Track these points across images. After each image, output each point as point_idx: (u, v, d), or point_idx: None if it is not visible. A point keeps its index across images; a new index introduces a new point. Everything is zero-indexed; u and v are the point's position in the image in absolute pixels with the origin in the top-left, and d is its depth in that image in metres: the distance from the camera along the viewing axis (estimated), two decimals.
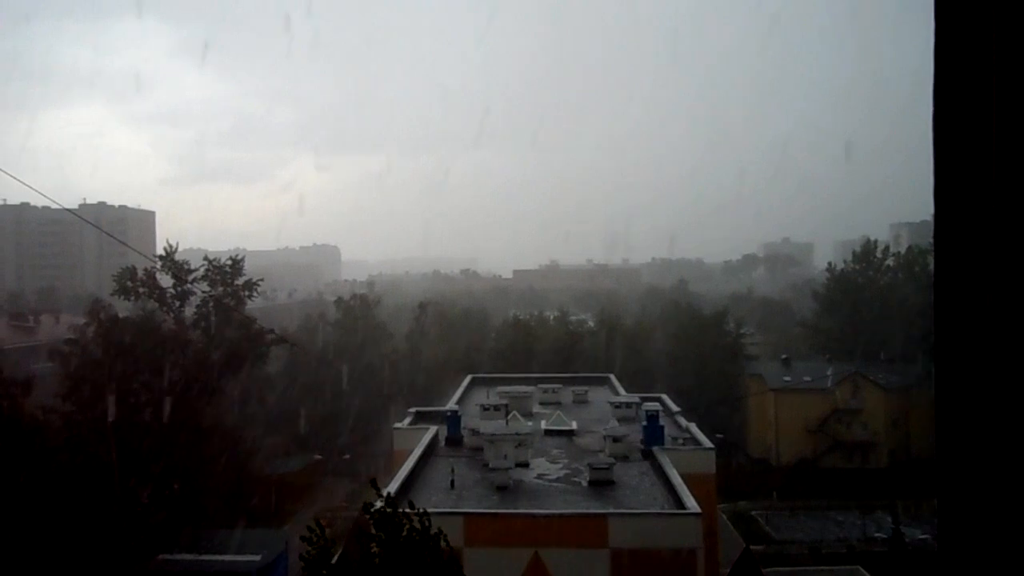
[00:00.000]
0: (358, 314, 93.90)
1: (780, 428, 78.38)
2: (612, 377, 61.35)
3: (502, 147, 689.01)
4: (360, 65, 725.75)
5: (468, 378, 60.53)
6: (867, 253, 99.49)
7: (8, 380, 40.35)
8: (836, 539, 58.55)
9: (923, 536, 55.74)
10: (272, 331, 62.94)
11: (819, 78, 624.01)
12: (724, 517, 56.48)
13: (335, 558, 17.56)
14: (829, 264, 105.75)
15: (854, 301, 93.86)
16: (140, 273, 62.83)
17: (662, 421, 40.21)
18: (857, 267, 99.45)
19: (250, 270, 67.47)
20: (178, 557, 37.77)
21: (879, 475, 68.79)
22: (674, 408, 48.68)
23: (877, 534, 57.63)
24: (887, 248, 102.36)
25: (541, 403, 51.53)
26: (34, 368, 54.04)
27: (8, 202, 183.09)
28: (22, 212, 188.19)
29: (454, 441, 40.76)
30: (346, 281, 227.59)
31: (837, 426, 77.76)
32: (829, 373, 77.42)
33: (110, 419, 44.95)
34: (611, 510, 29.30)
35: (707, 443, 40.68)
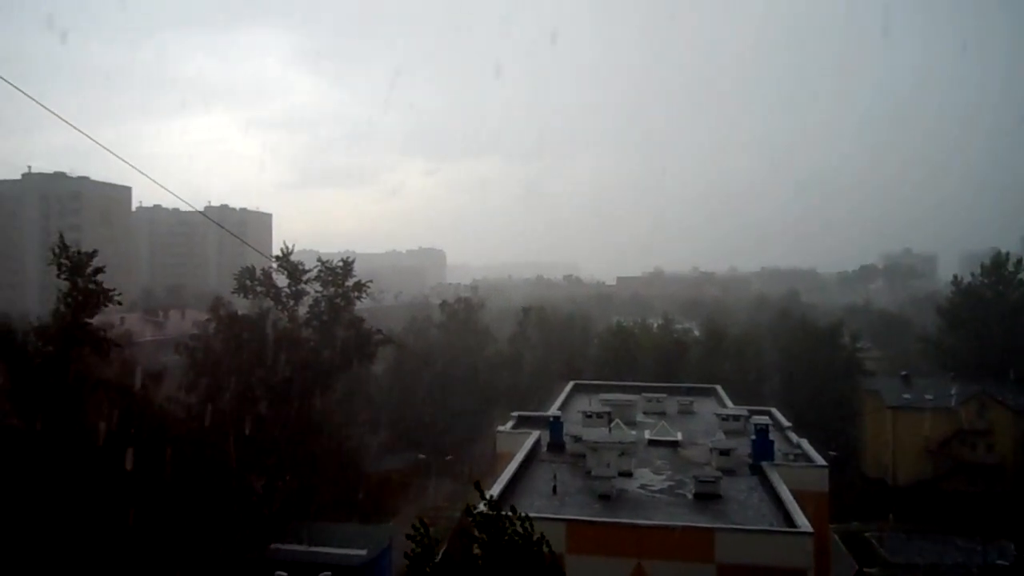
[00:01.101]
0: (462, 317, 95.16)
1: (898, 447, 74.41)
2: (719, 388, 59.85)
3: (607, 153, 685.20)
4: (467, 73, 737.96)
5: (570, 384, 60.32)
6: (997, 266, 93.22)
7: (142, 371, 42.94)
8: (954, 564, 55.44)
9: None
10: (380, 331, 64.37)
11: (951, 85, 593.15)
12: (836, 537, 54.22)
13: (438, 557, 17.75)
14: (955, 277, 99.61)
15: (982, 317, 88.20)
16: (258, 273, 65.58)
17: (772, 435, 38.99)
18: (986, 281, 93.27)
19: (359, 272, 69.27)
20: (289, 547, 39.17)
21: (1004, 500, 64.46)
22: (784, 423, 46.99)
23: (999, 561, 54.28)
24: (1019, 261, 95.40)
25: (645, 412, 50.86)
26: (164, 361, 57.35)
27: (144, 204, 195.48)
28: (155, 214, 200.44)
29: (556, 447, 40.69)
30: (451, 284, 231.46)
31: (960, 448, 73.24)
32: (953, 392, 73.17)
33: (228, 412, 47.24)
34: (718, 524, 28.54)
35: (819, 460, 39.05)
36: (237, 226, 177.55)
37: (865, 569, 55.09)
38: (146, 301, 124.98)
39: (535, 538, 16.52)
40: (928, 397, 74.28)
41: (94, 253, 39.01)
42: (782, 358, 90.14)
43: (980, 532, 57.69)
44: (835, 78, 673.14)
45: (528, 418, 48.96)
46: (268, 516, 43.48)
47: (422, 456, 71.98)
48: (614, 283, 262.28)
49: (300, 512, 46.15)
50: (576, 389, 59.12)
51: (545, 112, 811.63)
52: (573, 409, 50.41)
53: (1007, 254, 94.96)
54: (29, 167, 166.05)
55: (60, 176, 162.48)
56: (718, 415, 47.88)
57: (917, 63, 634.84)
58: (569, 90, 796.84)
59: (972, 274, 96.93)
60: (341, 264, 67.11)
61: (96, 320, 38.38)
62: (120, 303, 41.77)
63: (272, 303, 64.24)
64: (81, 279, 37.72)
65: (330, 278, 65.91)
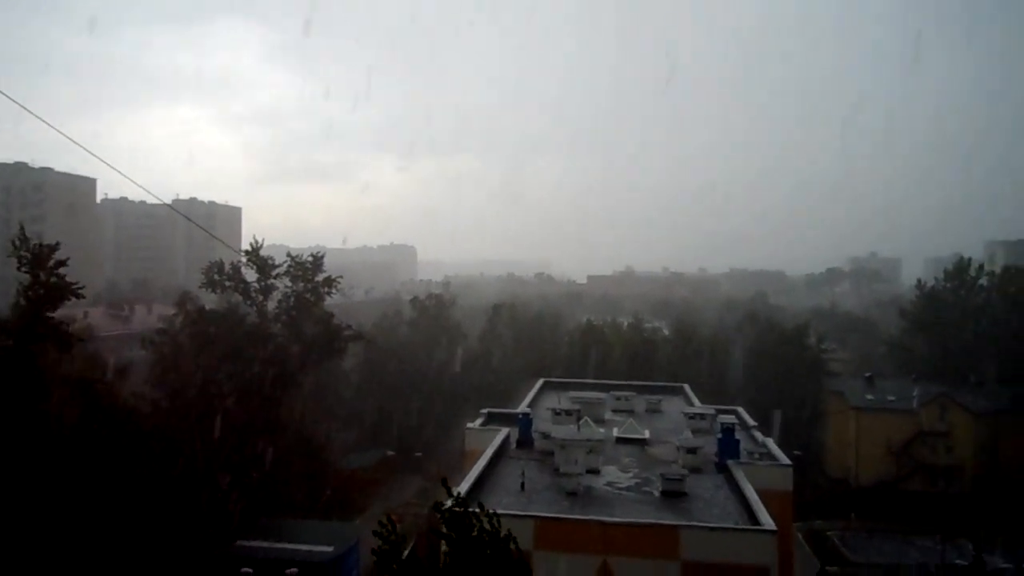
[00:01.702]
0: (433, 314, 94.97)
1: (860, 448, 75.77)
2: (686, 387, 60.37)
3: (581, 152, 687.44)
4: (440, 71, 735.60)
5: (540, 381, 60.46)
6: (960, 271, 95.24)
7: (106, 366, 42.25)
8: (914, 564, 56.46)
9: (1006, 565, 53.68)
10: (349, 327, 63.96)
11: (917, 94, 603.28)
12: (799, 536, 54.98)
13: (405, 554, 17.73)
14: (918, 281, 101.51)
15: (944, 320, 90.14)
16: (227, 267, 64.82)
17: (738, 434, 39.38)
18: (948, 285, 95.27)
19: (330, 267, 68.80)
20: (255, 544, 38.74)
21: (963, 501, 65.83)
22: (750, 422, 47.53)
23: (958, 561, 55.35)
24: (981, 267, 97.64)
25: (613, 410, 51.15)
26: (129, 355, 56.52)
27: (109, 196, 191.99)
28: (121, 206, 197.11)
29: (525, 444, 40.77)
30: (422, 281, 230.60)
31: (921, 449, 74.74)
32: (915, 394, 74.60)
33: (195, 407, 46.70)
34: (683, 522, 28.80)
35: (784, 459, 39.53)
36: (205, 219, 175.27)
37: (827, 568, 55.88)
38: (111, 295, 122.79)
39: (502, 535, 16.55)
40: (890, 398, 75.72)
41: (56, 245, 38.18)
42: (749, 358, 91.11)
43: (939, 532, 58.96)
44: (806, 84, 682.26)
45: (497, 415, 48.98)
46: (234, 512, 43.09)
47: (391, 453, 71.76)
48: (585, 282, 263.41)
49: (266, 508, 45.77)
50: (546, 387, 59.28)
51: (519, 110, 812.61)
52: (542, 406, 50.53)
53: (969, 260, 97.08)
54: None
55: (22, 167, 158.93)
56: (685, 414, 48.31)
57: (885, 71, 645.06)
58: (544, 88, 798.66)
59: (935, 278, 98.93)
60: (311, 259, 66.60)
61: (58, 314, 37.59)
62: (83, 296, 40.91)
63: (240, 298, 63.56)
64: (43, 272, 36.88)
65: (299, 273, 65.40)
